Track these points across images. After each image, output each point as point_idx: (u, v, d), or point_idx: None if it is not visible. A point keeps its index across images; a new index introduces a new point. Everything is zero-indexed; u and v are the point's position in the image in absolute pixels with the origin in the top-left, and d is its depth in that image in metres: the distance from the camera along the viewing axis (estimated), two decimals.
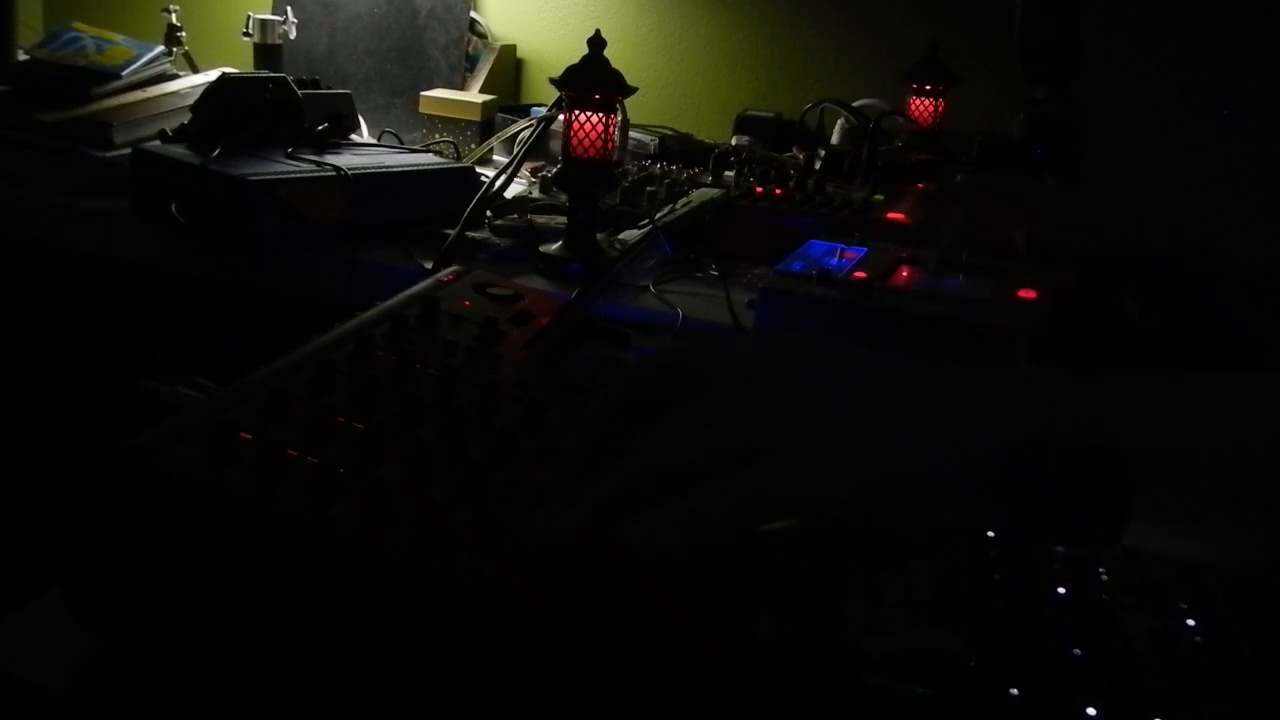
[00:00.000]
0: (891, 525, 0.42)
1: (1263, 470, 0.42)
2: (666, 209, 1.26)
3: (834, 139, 1.65)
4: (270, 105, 1.33)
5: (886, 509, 0.42)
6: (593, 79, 1.11)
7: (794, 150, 1.57)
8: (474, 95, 1.77)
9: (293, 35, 1.77)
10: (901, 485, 0.42)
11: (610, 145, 1.13)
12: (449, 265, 0.88)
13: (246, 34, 1.74)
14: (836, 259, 0.99)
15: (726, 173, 1.44)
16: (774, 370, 0.46)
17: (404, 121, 1.76)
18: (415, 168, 1.31)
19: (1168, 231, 0.87)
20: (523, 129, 1.50)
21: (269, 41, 1.73)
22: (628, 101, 1.20)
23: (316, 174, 1.19)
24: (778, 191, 1.26)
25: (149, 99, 1.47)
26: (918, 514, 0.42)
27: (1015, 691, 0.42)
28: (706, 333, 1.01)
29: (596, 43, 1.11)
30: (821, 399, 0.44)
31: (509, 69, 1.93)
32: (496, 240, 1.21)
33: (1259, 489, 0.42)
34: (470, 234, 1.19)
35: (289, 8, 1.79)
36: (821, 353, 0.48)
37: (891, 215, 1.16)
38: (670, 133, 1.68)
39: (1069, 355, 0.82)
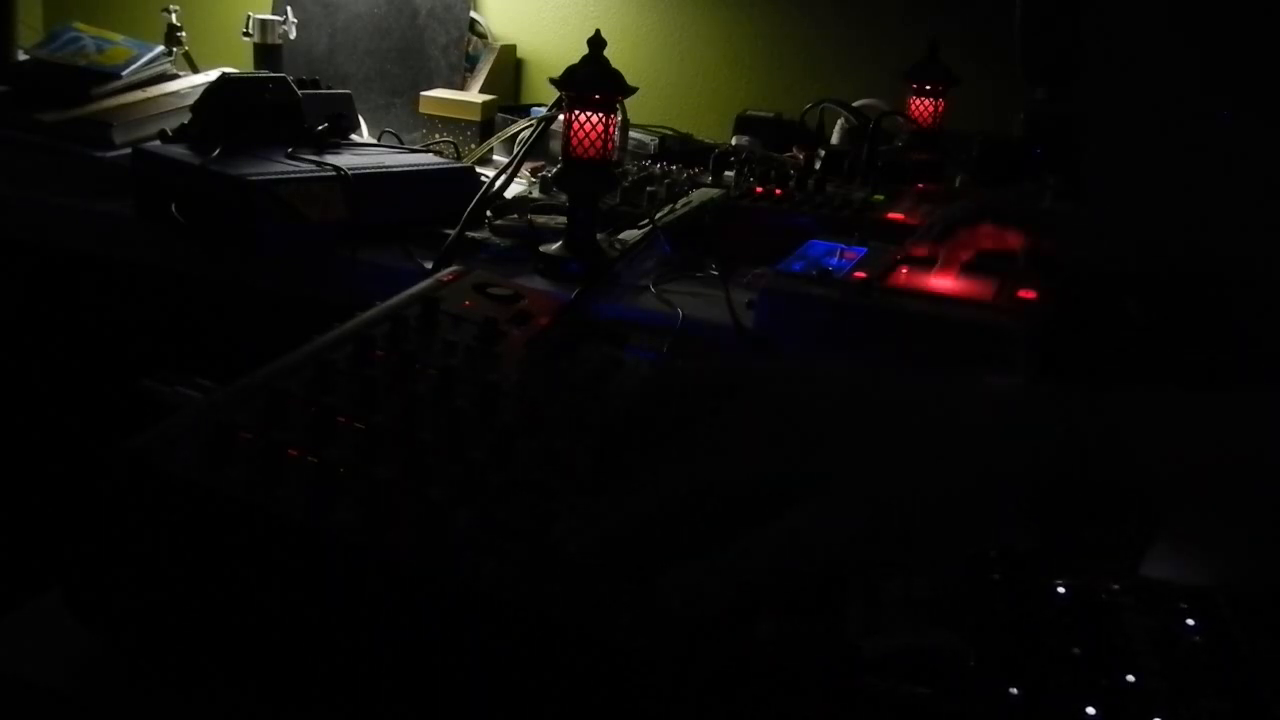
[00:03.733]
0: (919, 561, 0.46)
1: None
2: (666, 209, 1.26)
3: (834, 139, 1.64)
4: (270, 105, 1.33)
5: (916, 550, 0.43)
6: (593, 79, 1.10)
7: (794, 150, 1.57)
8: (474, 95, 1.77)
9: (293, 35, 1.77)
10: (930, 529, 0.42)
11: (610, 145, 1.13)
12: (449, 265, 0.88)
13: (246, 34, 1.74)
14: (836, 259, 0.99)
15: (726, 173, 1.44)
16: (793, 398, 0.46)
17: (404, 121, 1.76)
18: (415, 168, 1.31)
19: (1181, 248, 0.87)
20: (523, 129, 1.50)
21: (269, 41, 1.73)
22: (628, 101, 1.20)
23: (316, 174, 1.19)
24: (778, 191, 1.26)
25: (149, 99, 1.47)
26: (944, 551, 0.45)
27: (1015, 691, 0.42)
28: (706, 333, 1.01)
29: (596, 43, 1.11)
30: (844, 429, 0.44)
31: (509, 69, 1.93)
32: (496, 240, 1.21)
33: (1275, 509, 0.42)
34: (470, 234, 1.19)
35: (289, 8, 1.79)
36: (837, 376, 0.47)
37: (891, 215, 1.16)
38: (670, 133, 1.68)
39: (1071, 357, 0.82)
